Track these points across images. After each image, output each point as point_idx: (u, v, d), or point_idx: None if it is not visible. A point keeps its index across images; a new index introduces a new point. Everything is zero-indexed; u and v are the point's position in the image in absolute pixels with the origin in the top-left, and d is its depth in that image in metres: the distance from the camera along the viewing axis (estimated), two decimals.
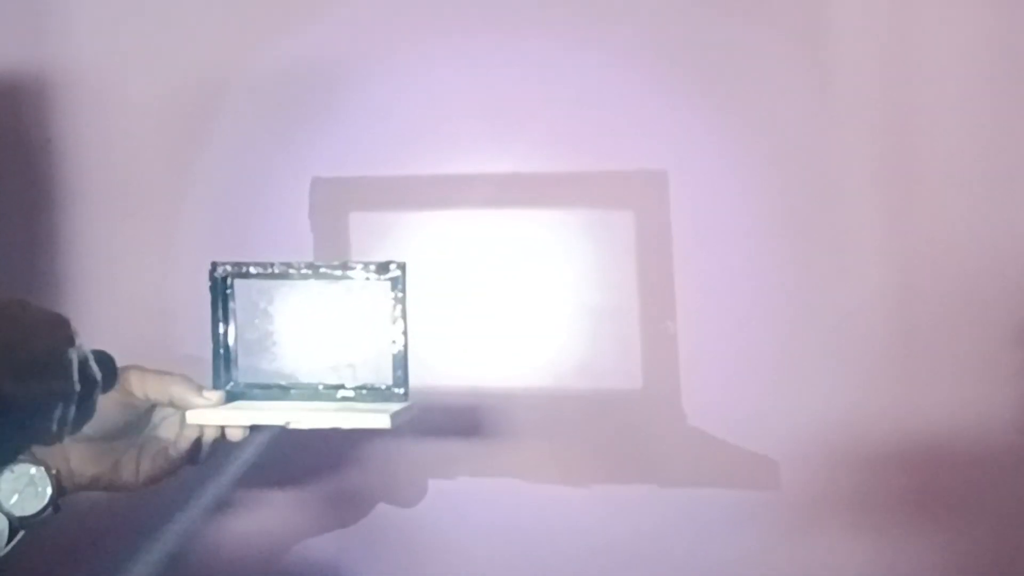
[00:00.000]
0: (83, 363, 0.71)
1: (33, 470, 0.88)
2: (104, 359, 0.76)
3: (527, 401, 1.13)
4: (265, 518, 1.21)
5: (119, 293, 1.22)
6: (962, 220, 1.07)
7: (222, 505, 1.17)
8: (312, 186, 1.16)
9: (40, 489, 0.88)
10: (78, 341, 0.70)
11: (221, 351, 0.97)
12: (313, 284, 0.96)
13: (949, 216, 1.07)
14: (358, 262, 0.95)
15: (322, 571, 1.20)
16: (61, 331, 0.70)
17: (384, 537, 1.18)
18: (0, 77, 1.23)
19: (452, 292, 1.13)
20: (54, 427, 0.68)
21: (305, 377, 0.97)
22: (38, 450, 0.89)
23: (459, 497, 1.16)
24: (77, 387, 0.69)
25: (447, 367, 1.13)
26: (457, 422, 1.14)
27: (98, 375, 0.73)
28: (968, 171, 1.06)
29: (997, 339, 1.06)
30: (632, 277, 1.11)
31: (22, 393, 0.65)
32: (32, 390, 0.66)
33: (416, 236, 1.09)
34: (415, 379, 0.95)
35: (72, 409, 0.70)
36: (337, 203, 1.16)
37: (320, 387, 0.97)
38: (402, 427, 0.91)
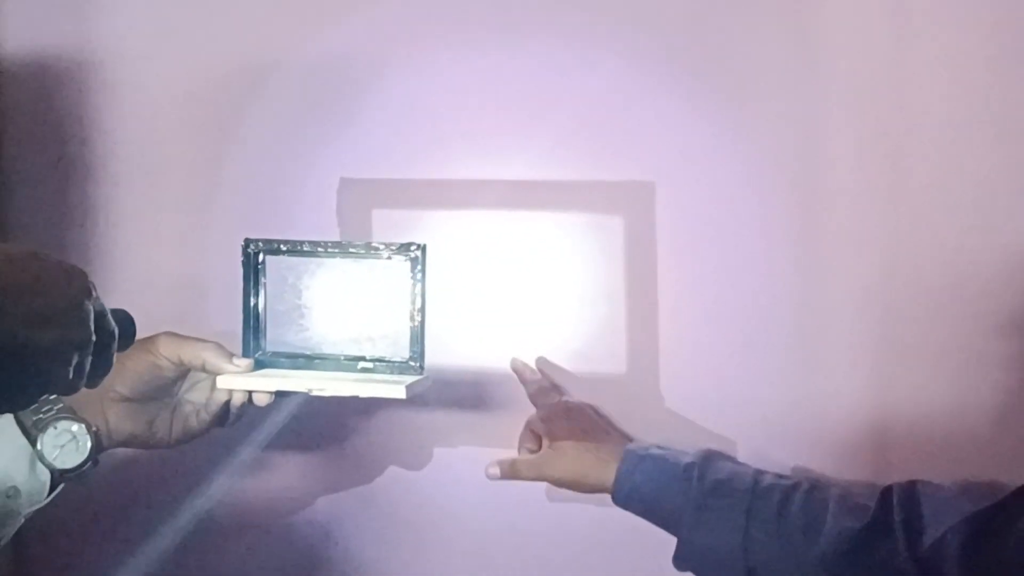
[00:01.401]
0: (100, 315, 0.71)
1: (75, 427, 0.92)
2: (123, 316, 0.77)
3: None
4: (280, 476, 1.24)
5: (152, 271, 1.25)
6: (949, 217, 1.07)
7: (242, 464, 1.20)
8: (339, 185, 1.19)
9: (81, 444, 0.92)
10: (95, 293, 0.70)
11: (251, 322, 1.01)
12: (339, 262, 1.00)
13: (935, 213, 1.08)
14: (382, 243, 0.99)
15: (324, 527, 1.24)
16: (77, 281, 0.69)
17: (387, 497, 1.22)
18: (37, 59, 1.25)
19: (460, 284, 1.16)
20: (71, 375, 0.68)
21: (329, 348, 1.01)
22: (79, 408, 0.92)
23: (460, 464, 1.18)
24: (93, 337, 0.69)
25: (455, 349, 1.16)
26: (462, 398, 1.18)
27: (115, 328, 0.73)
28: (957, 171, 1.07)
29: (981, 331, 1.07)
30: (621, 275, 1.15)
31: (38, 340, 0.65)
32: (48, 337, 0.66)
33: (430, 234, 1.09)
34: (427, 359, 0.99)
35: (88, 359, 0.70)
36: (361, 200, 1.20)
37: (342, 358, 1.01)
38: (415, 398, 0.95)
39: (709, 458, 1.04)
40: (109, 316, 0.73)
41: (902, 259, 1.09)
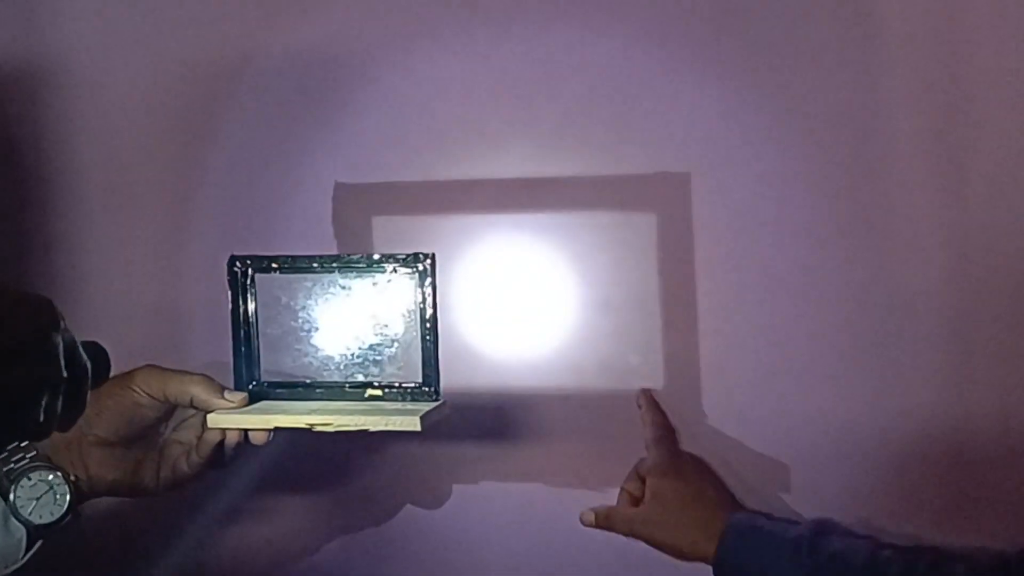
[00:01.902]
0: (70, 349, 0.67)
1: (51, 477, 0.87)
2: (95, 350, 0.73)
3: (550, 401, 1.12)
4: (279, 520, 1.19)
5: (125, 297, 1.19)
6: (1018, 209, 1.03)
7: (238, 508, 1.15)
8: (335, 191, 1.15)
9: (59, 496, 0.87)
10: (63, 324, 0.66)
11: (242, 349, 0.96)
12: (338, 278, 0.95)
13: (1006, 207, 1.02)
14: (385, 255, 0.94)
15: None
16: (44, 312, 0.65)
17: (403, 541, 1.17)
18: None
19: (475, 297, 1.12)
20: (41, 417, 0.64)
21: (331, 375, 0.96)
22: (55, 456, 0.87)
23: (484, 502, 1.14)
24: (64, 373, 0.65)
25: (471, 368, 1.10)
26: (483, 424, 1.12)
27: (87, 363, 0.69)
28: None
29: None
30: (655, 279, 1.09)
31: (2, 379, 0.61)
32: (14, 376, 0.62)
33: (438, 241, 1.07)
34: (442, 381, 0.94)
35: (60, 399, 0.66)
36: (359, 207, 1.15)
37: (346, 386, 0.95)
38: (432, 428, 0.89)
39: (820, 531, 0.99)
40: (80, 350, 0.69)
41: (975, 252, 1.04)
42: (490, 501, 1.13)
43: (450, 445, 1.14)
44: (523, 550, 1.14)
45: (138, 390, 0.90)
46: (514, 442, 1.13)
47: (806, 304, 1.07)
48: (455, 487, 1.16)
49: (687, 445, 1.10)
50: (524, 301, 1.12)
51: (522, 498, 1.13)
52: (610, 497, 1.10)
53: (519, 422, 1.13)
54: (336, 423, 0.89)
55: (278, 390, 0.96)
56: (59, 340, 0.65)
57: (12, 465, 0.86)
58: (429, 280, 0.92)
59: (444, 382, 0.94)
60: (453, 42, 1.13)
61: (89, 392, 0.70)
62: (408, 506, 1.17)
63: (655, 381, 1.10)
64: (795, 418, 1.08)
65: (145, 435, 0.92)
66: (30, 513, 0.86)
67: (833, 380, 1.07)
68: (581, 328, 1.12)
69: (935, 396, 1.05)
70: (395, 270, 0.93)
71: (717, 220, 1.08)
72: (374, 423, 0.88)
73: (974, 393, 1.04)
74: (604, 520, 1.05)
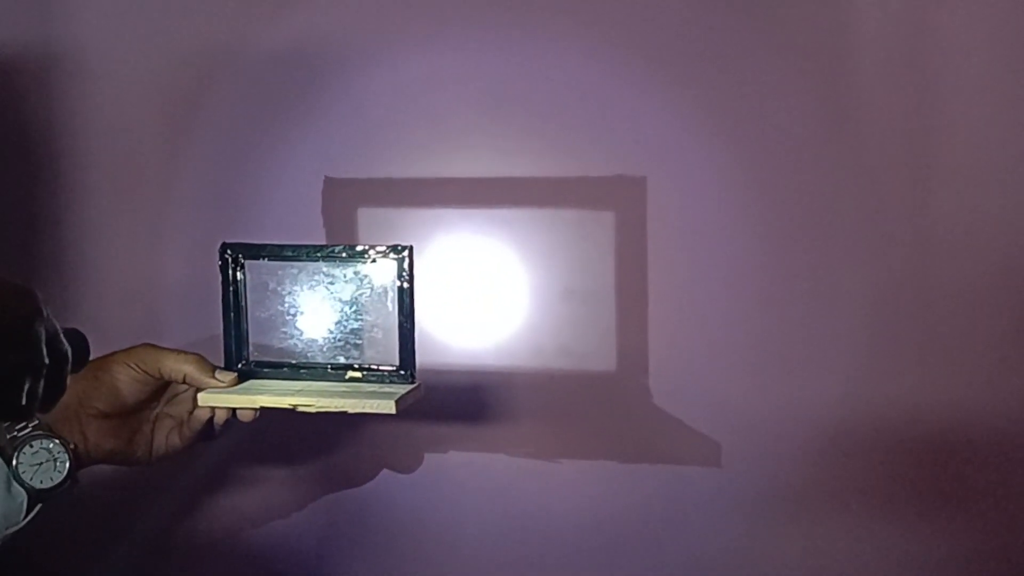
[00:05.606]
0: (52, 336, 0.68)
1: (51, 445, 0.89)
2: (75, 337, 0.73)
3: (515, 379, 1.16)
4: (265, 485, 1.21)
5: (124, 278, 1.21)
6: (967, 213, 1.06)
7: (226, 474, 1.17)
8: (324, 184, 1.17)
9: (59, 463, 0.89)
10: (46, 313, 0.67)
11: (232, 331, 0.98)
12: (322, 266, 0.97)
13: (966, 211, 1.06)
14: (366, 245, 0.96)
15: (312, 546, 1.21)
16: (28, 303, 0.66)
17: (380, 510, 1.20)
18: None
19: (450, 283, 1.16)
20: (23, 401, 0.65)
21: (315, 356, 0.98)
22: (56, 425, 0.90)
23: (456, 472, 1.17)
24: (46, 360, 0.66)
25: (446, 349, 1.14)
26: (454, 400, 1.16)
27: (68, 349, 0.70)
28: (983, 160, 1.05)
29: (999, 332, 1.07)
30: (611, 272, 1.13)
31: None
32: None
33: (417, 232, 1.11)
34: (418, 359, 0.96)
35: (41, 384, 0.67)
36: (345, 199, 1.16)
37: (329, 367, 0.98)
38: (407, 409, 0.92)
39: None
40: (62, 337, 0.70)
41: (913, 259, 1.08)
42: (457, 470, 1.16)
43: (422, 419, 1.17)
44: (488, 515, 1.18)
45: (135, 367, 0.93)
46: (479, 417, 1.16)
47: (748, 298, 1.11)
48: (426, 457, 1.19)
49: (635, 422, 1.14)
50: (492, 289, 1.16)
51: (486, 468, 1.17)
52: (565, 468, 1.15)
53: (484, 399, 1.16)
54: (317, 405, 0.92)
55: (265, 369, 0.98)
56: (41, 328, 0.66)
57: (16, 433, 0.89)
58: (407, 270, 0.94)
59: (422, 359, 0.96)
60: (437, 51, 1.15)
61: (69, 375, 0.71)
62: (384, 474, 1.20)
63: (608, 364, 1.14)
64: (732, 402, 1.13)
65: (140, 408, 0.95)
66: (31, 478, 0.88)
67: (768, 367, 1.11)
68: (543, 315, 1.15)
69: (865, 387, 1.09)
70: (375, 260, 0.95)
71: (669, 220, 1.12)
72: (352, 406, 0.91)
73: (899, 386, 1.09)
74: None
